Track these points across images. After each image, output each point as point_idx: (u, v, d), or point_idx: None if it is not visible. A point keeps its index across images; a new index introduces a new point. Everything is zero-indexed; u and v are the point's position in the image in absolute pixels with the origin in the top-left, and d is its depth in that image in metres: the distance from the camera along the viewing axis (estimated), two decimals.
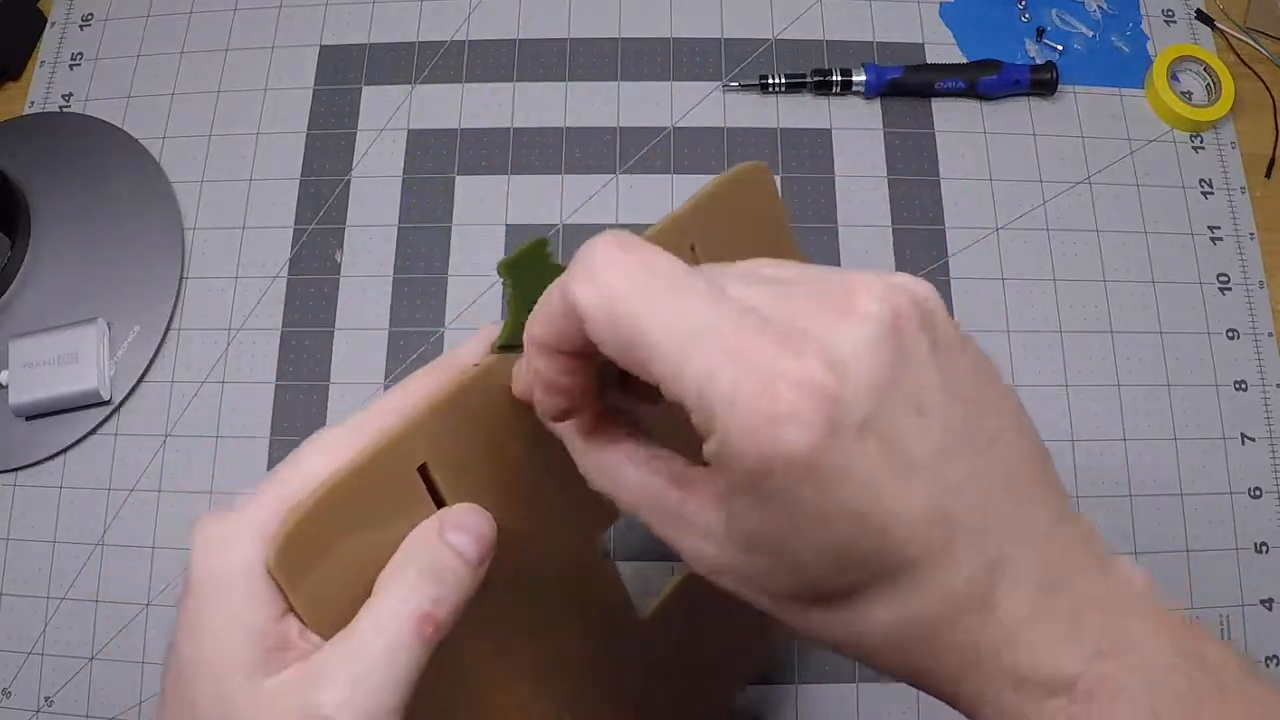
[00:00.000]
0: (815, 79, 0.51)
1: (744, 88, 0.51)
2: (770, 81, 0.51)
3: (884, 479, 0.19)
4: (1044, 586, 0.21)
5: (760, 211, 0.33)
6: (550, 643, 0.32)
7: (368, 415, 0.26)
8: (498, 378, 0.28)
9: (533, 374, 0.23)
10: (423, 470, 0.27)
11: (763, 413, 0.18)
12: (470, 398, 0.28)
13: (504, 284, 0.27)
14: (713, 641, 0.36)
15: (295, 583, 0.25)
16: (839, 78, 0.51)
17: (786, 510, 0.19)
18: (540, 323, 0.22)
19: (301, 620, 0.24)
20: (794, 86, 0.51)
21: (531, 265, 0.27)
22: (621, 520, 0.32)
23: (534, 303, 0.25)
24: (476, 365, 0.28)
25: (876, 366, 0.19)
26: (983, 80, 0.50)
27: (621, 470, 0.23)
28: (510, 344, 0.27)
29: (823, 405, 0.18)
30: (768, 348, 0.19)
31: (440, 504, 0.27)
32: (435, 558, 0.25)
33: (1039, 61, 0.52)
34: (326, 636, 0.24)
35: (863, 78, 0.51)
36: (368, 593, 0.25)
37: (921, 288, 0.21)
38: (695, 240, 0.31)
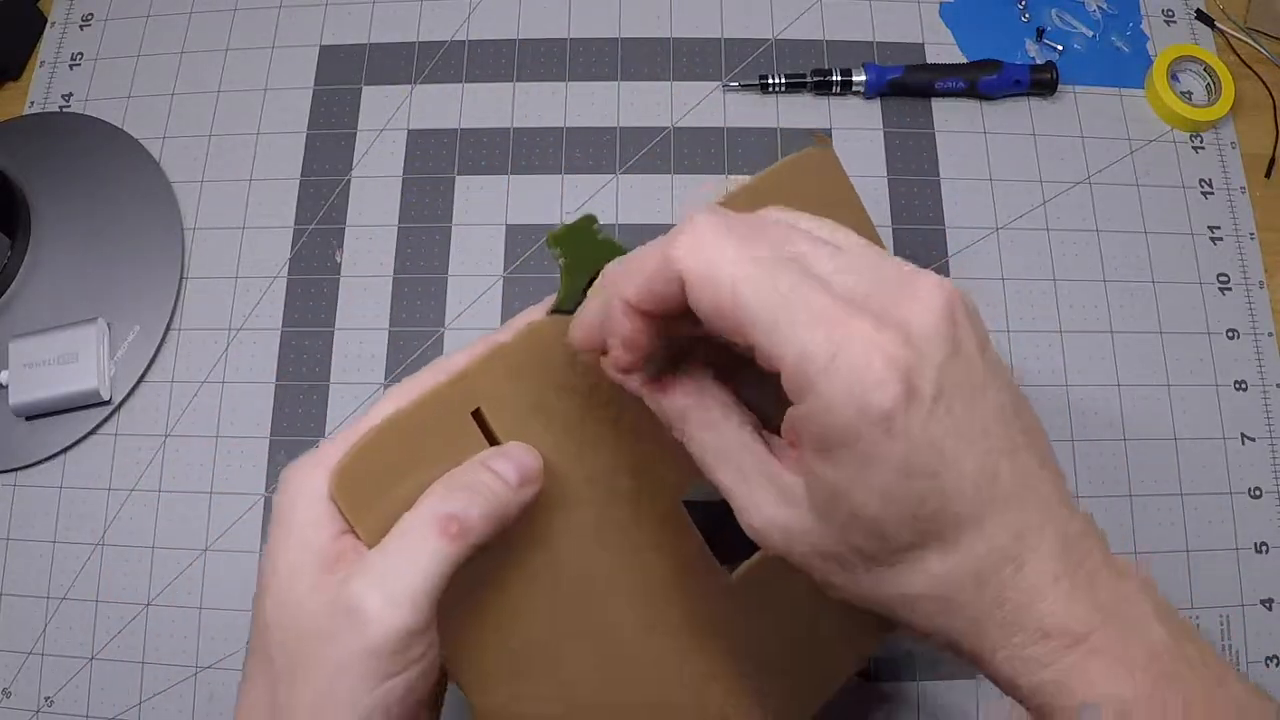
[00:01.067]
0: (815, 79, 0.51)
1: (744, 87, 0.51)
2: (770, 81, 0.51)
3: (949, 443, 0.22)
4: (1063, 555, 0.24)
5: (828, 195, 0.33)
6: (628, 599, 0.32)
7: (433, 370, 0.30)
8: (550, 337, 0.30)
9: (613, 330, 0.25)
10: (477, 415, 0.30)
11: (857, 378, 0.21)
12: (524, 353, 0.31)
13: (555, 254, 0.30)
14: (805, 619, 0.34)
15: (353, 506, 0.28)
16: (839, 78, 0.51)
17: (868, 469, 0.22)
18: (635, 287, 0.24)
19: (360, 539, 0.27)
20: (794, 86, 0.51)
21: (579, 239, 0.30)
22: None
23: (584, 273, 0.30)
24: (531, 325, 0.31)
25: (943, 346, 0.22)
26: (983, 80, 0.50)
27: (704, 418, 0.26)
28: (561, 309, 0.30)
29: (906, 375, 0.22)
30: (858, 324, 0.22)
31: (494, 445, 0.30)
32: (470, 476, 0.28)
33: (1039, 61, 0.52)
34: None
35: (863, 78, 0.51)
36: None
37: (958, 290, 0.24)
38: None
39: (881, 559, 0.24)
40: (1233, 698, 0.24)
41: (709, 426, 0.26)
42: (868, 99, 0.51)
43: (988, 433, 0.23)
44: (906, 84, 0.51)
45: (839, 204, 0.33)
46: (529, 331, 0.31)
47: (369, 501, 0.28)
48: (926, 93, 0.51)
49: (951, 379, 0.22)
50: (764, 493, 0.25)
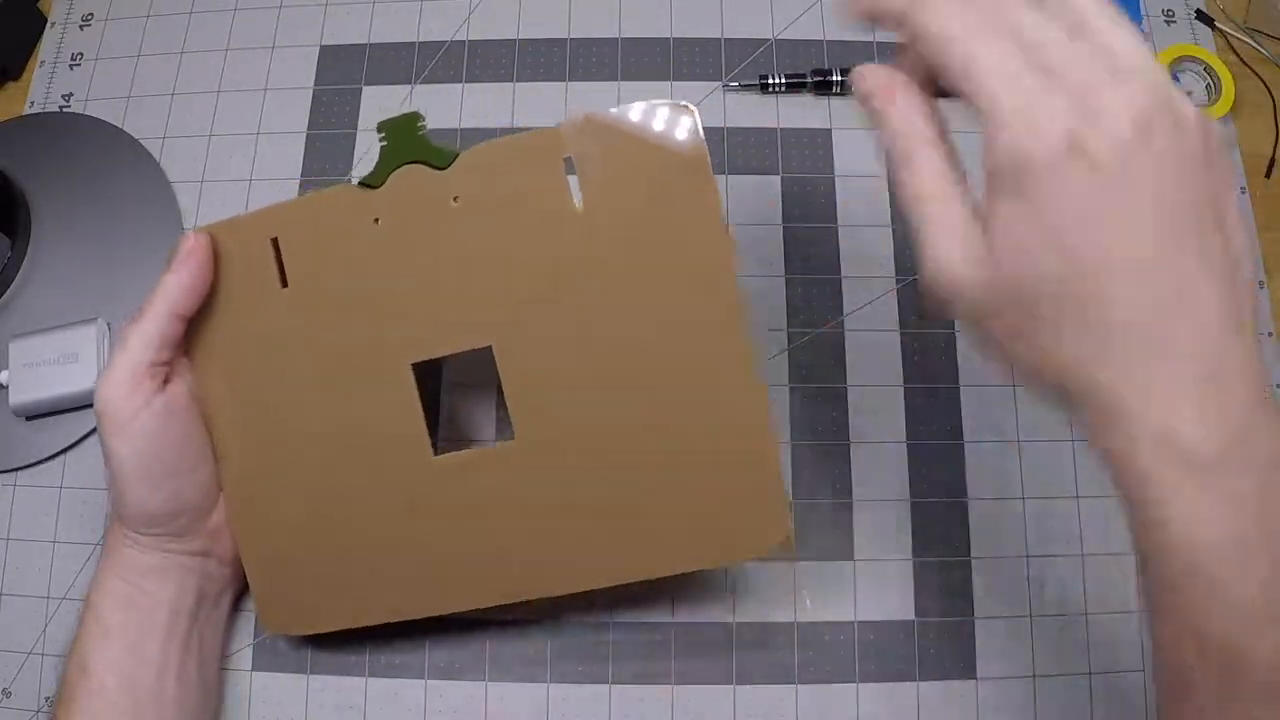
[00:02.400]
0: (815, 79, 0.51)
1: (744, 87, 0.51)
2: (770, 81, 0.51)
3: (1111, 219, 0.25)
4: (1206, 378, 0.24)
5: (673, 148, 0.36)
6: (341, 452, 0.39)
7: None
8: (353, 202, 0.38)
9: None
10: (275, 243, 0.38)
11: (1036, 120, 0.25)
12: (328, 206, 0.38)
13: (380, 138, 0.37)
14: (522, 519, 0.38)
15: None
16: (839, 78, 0.51)
17: (1039, 210, 0.25)
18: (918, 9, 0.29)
19: None
20: (794, 86, 0.51)
21: (403, 131, 0.37)
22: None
23: (397, 160, 0.37)
24: (342, 186, 0.38)
25: (1128, 130, 0.24)
26: None
27: (918, 155, 0.28)
28: (368, 183, 0.38)
29: (1076, 133, 0.24)
30: (1051, 90, 0.25)
31: (283, 276, 0.38)
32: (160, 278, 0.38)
33: None
34: (191, 341, 0.40)
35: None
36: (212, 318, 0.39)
37: (1192, 112, 0.25)
38: (575, 152, 0.36)
39: (1029, 324, 0.26)
40: None
41: (919, 166, 0.28)
42: None
43: (1158, 237, 0.25)
44: None
45: (685, 166, 0.36)
46: (336, 190, 0.38)
47: None
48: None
49: (1131, 164, 0.24)
50: (949, 241, 0.27)
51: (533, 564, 0.39)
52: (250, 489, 0.40)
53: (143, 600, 0.38)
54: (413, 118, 0.37)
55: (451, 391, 0.46)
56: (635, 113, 0.36)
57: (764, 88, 0.51)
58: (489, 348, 0.37)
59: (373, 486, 0.39)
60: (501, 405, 0.43)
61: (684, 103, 0.36)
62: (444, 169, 0.37)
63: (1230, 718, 0.25)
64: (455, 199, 0.37)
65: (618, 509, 0.38)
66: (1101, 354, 0.25)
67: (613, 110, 0.36)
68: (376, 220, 0.38)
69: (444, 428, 0.45)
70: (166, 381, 0.38)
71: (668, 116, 0.36)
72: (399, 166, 0.37)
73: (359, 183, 0.38)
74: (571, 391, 0.37)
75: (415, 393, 0.38)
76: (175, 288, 0.38)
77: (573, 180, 0.36)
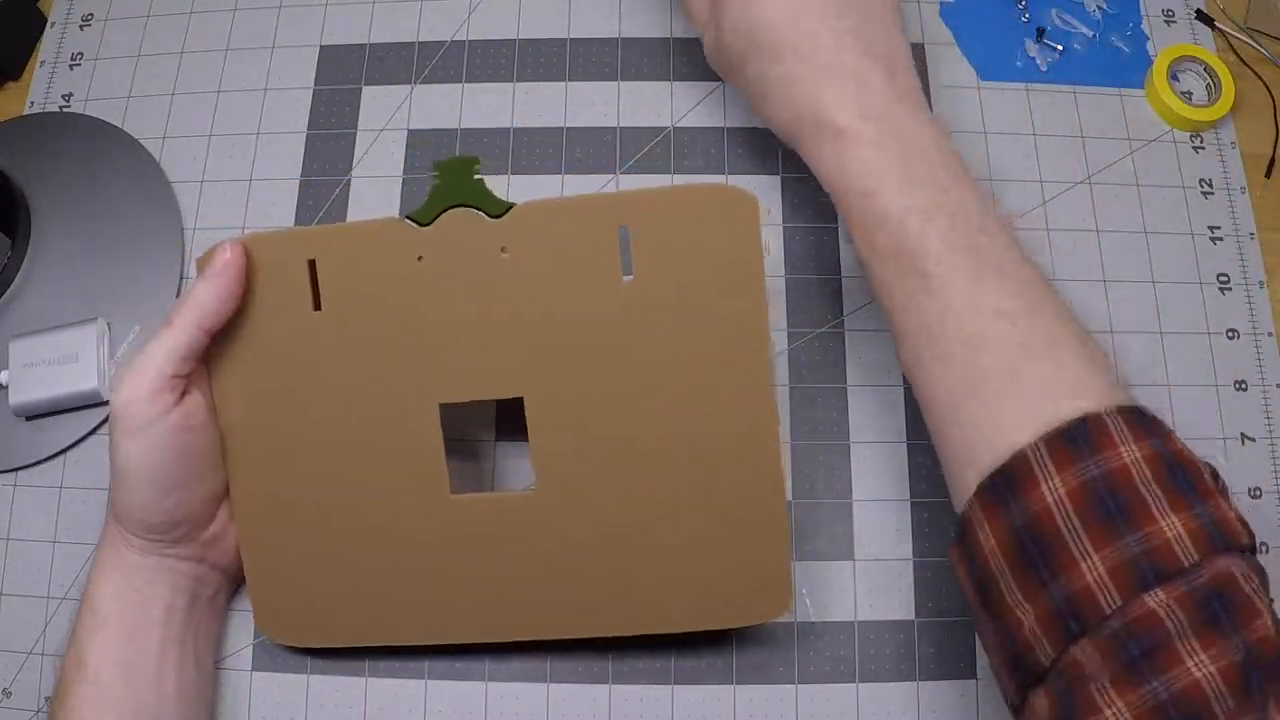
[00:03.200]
0: None
1: None
2: None
3: None
4: (859, 106, 0.37)
5: (728, 236, 0.37)
6: (365, 486, 0.39)
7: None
8: (397, 234, 0.38)
9: None
10: (311, 265, 0.38)
11: None
12: (369, 237, 0.38)
13: (434, 175, 0.38)
14: (540, 560, 0.40)
15: None
16: None
17: None
18: None
19: None
20: None
21: (458, 172, 0.38)
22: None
23: (447, 200, 0.37)
24: (387, 218, 0.38)
25: None
26: None
27: None
28: (416, 219, 0.38)
29: None
30: None
31: (316, 298, 0.38)
32: (190, 290, 0.38)
33: (1039, 65, 0.52)
34: (213, 349, 0.39)
35: None
36: (252, 328, 0.39)
37: None
38: (631, 223, 0.37)
39: (740, 61, 0.40)
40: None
41: None
42: None
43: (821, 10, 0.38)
44: None
45: (736, 256, 0.37)
46: (382, 222, 0.38)
47: None
48: None
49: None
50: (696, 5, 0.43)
51: (537, 606, 0.40)
52: (260, 500, 0.40)
53: (137, 596, 0.39)
54: (470, 161, 0.38)
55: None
56: (698, 192, 0.37)
57: None
58: (520, 399, 0.38)
59: (386, 516, 0.39)
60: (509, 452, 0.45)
61: (749, 192, 0.37)
62: (496, 218, 0.37)
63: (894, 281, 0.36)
64: (504, 250, 0.37)
65: (628, 565, 0.39)
66: (788, 87, 0.38)
67: (676, 185, 0.38)
68: (420, 258, 0.38)
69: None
70: (184, 393, 0.38)
71: (730, 202, 0.37)
72: (450, 208, 0.38)
73: (406, 217, 0.38)
74: (596, 449, 0.38)
75: (439, 432, 0.38)
76: (206, 301, 0.37)
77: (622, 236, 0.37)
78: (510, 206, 0.37)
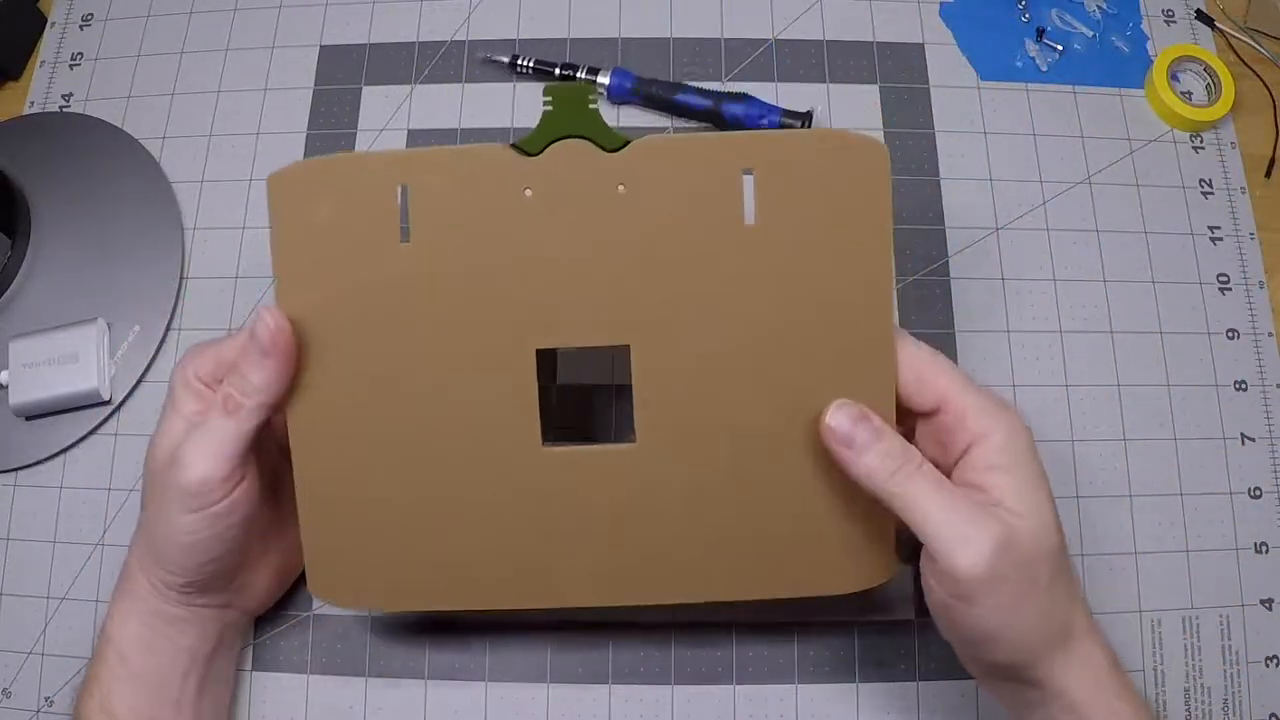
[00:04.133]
0: (564, 73, 0.51)
1: (489, 62, 0.52)
2: (521, 64, 0.51)
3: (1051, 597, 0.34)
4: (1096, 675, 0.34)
5: (856, 186, 0.35)
6: (449, 433, 0.36)
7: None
8: (498, 162, 0.35)
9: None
10: (403, 191, 0.35)
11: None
12: (468, 163, 0.35)
13: (545, 101, 0.34)
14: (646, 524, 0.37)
15: (278, 205, 0.35)
16: (585, 76, 0.51)
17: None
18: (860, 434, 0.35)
19: (274, 235, 0.35)
20: (541, 73, 0.51)
21: (574, 100, 0.34)
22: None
23: (559, 129, 0.34)
24: (486, 145, 0.35)
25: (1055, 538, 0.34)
26: (726, 106, 0.49)
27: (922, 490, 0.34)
28: (523, 147, 0.35)
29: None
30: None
31: (405, 229, 0.35)
32: (240, 365, 0.35)
33: (1039, 65, 0.52)
34: (283, 275, 0.35)
35: (607, 80, 0.50)
36: (329, 260, 0.35)
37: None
38: (756, 166, 0.34)
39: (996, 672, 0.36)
40: None
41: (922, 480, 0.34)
42: (612, 104, 0.51)
43: (1071, 596, 0.35)
44: (649, 93, 0.50)
45: (860, 204, 0.35)
46: (490, 149, 0.35)
47: (291, 208, 0.35)
48: (667, 106, 0.50)
49: (1040, 558, 0.33)
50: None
51: (630, 570, 0.37)
52: (324, 446, 0.37)
53: (165, 645, 0.38)
54: (585, 89, 0.35)
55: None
56: (827, 138, 0.35)
57: (513, 67, 0.51)
58: (626, 347, 0.35)
59: (468, 468, 0.36)
60: (607, 403, 0.44)
61: (879, 141, 0.35)
62: (612, 152, 0.35)
63: None
64: (621, 186, 0.35)
65: (728, 527, 0.37)
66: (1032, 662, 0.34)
67: (803, 130, 0.36)
68: (527, 190, 0.35)
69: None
70: (249, 465, 0.36)
71: (860, 151, 0.34)
72: (561, 139, 0.35)
73: (512, 145, 0.35)
74: (704, 404, 0.36)
75: (534, 378, 0.36)
76: (270, 384, 0.35)
77: (747, 188, 0.35)
78: (627, 141, 0.34)
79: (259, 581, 0.41)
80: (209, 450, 0.35)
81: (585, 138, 0.35)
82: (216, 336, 0.48)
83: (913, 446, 0.34)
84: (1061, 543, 0.34)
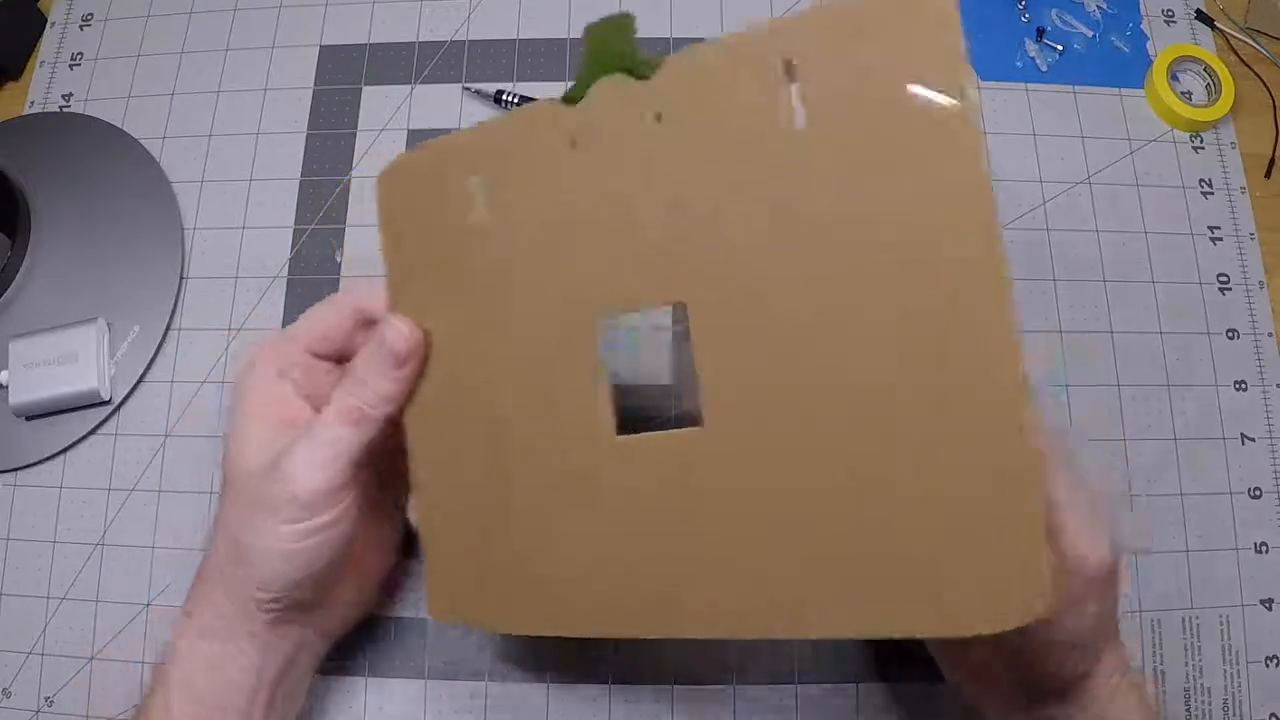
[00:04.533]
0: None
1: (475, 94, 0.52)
2: (506, 97, 0.50)
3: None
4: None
5: (922, 54, 0.26)
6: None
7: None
8: (548, 121, 0.32)
9: None
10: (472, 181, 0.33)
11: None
12: (523, 130, 0.33)
13: (585, 42, 0.32)
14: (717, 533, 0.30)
15: (386, 216, 0.35)
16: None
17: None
18: None
19: (381, 235, 0.36)
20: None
21: (613, 34, 0.32)
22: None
23: (601, 69, 0.31)
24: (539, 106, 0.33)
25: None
26: None
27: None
28: (572, 96, 0.32)
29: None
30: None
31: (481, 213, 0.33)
32: (366, 371, 0.34)
33: (1039, 65, 0.52)
34: (391, 262, 0.35)
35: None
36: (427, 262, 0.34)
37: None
38: (797, 55, 0.28)
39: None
40: None
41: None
42: None
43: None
44: None
45: (926, 44, 0.26)
46: (538, 109, 0.33)
47: (392, 212, 0.35)
48: None
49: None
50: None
51: (727, 594, 0.30)
52: (435, 450, 0.35)
53: (231, 665, 0.35)
54: (626, 19, 0.31)
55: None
56: (878, 3, 0.27)
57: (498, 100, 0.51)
58: (683, 306, 0.30)
59: (548, 462, 0.33)
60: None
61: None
62: (647, 79, 0.30)
63: None
64: (658, 117, 0.30)
65: (829, 537, 0.28)
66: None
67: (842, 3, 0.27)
68: (574, 143, 0.31)
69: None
70: (356, 481, 0.34)
71: (920, 11, 0.26)
72: (601, 77, 0.31)
73: (562, 98, 0.32)
74: (782, 372, 0.28)
75: (595, 355, 0.32)
76: (397, 394, 0.34)
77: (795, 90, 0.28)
78: (661, 62, 0.30)
79: (344, 599, 0.39)
80: (324, 461, 0.33)
81: (624, 71, 0.31)
82: (211, 334, 0.48)
83: None
84: None
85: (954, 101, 0.26)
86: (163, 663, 0.36)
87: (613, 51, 0.31)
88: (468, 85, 0.51)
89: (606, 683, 0.43)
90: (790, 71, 0.28)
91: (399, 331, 0.33)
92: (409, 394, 0.34)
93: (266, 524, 0.33)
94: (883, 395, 0.27)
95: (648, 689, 0.43)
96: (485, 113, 0.51)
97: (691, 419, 0.30)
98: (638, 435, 0.31)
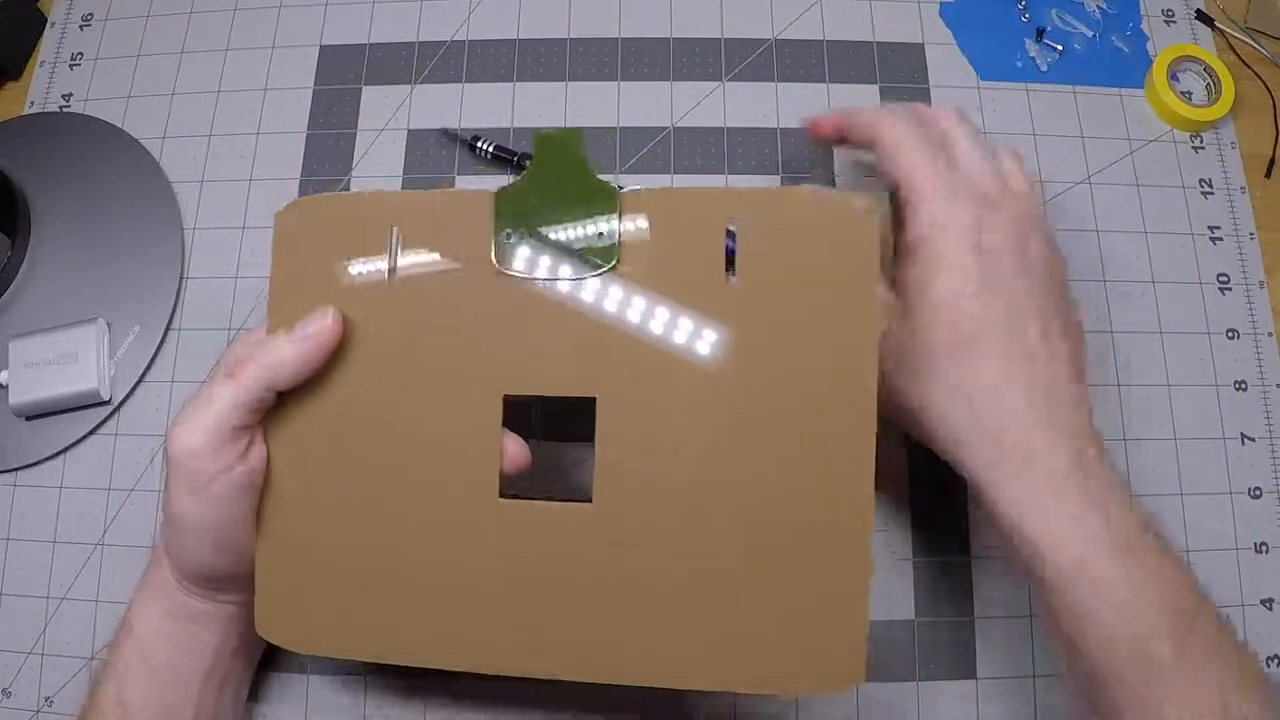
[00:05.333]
0: (522, 161, 0.49)
1: (451, 139, 0.51)
2: (480, 148, 0.50)
3: (989, 291, 0.36)
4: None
5: (840, 245, 0.34)
6: (413, 477, 0.36)
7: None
8: (484, 212, 0.35)
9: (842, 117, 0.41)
10: (391, 231, 0.36)
11: (956, 203, 0.37)
12: (454, 209, 0.36)
13: (534, 150, 0.35)
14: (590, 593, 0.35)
15: (283, 245, 0.37)
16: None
17: (936, 272, 0.36)
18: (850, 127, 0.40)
19: (274, 264, 0.37)
20: (500, 159, 0.50)
21: (562, 149, 0.35)
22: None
23: (550, 181, 0.35)
24: (476, 191, 0.35)
25: (1011, 234, 0.37)
26: None
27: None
28: (505, 203, 0.35)
29: (980, 218, 0.37)
30: (966, 189, 0.37)
31: (392, 264, 0.35)
32: (269, 339, 0.35)
33: (1039, 65, 0.52)
34: (276, 307, 0.36)
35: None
36: (320, 291, 0.36)
37: (1052, 238, 0.39)
38: (742, 224, 0.34)
39: (921, 364, 0.36)
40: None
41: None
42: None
43: (1021, 309, 0.35)
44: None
45: (849, 272, 0.34)
46: (475, 196, 0.35)
47: (292, 243, 0.37)
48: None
49: (1003, 261, 0.36)
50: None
51: (575, 642, 0.35)
52: (287, 481, 0.36)
53: (188, 641, 0.38)
54: (574, 135, 0.35)
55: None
56: (815, 200, 0.34)
57: (472, 149, 0.50)
58: (593, 400, 0.34)
59: (429, 515, 0.35)
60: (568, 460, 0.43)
61: (868, 206, 0.34)
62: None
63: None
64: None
65: (685, 608, 0.34)
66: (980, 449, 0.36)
67: (791, 188, 0.37)
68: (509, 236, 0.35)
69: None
70: (249, 445, 0.35)
71: (847, 215, 0.34)
72: (547, 181, 0.35)
73: (499, 191, 0.35)
74: (668, 469, 0.34)
75: (499, 424, 0.35)
76: (288, 362, 0.34)
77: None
78: (615, 192, 0.34)
79: None
80: (199, 422, 0.34)
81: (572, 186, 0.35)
82: (211, 334, 0.48)
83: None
84: (1008, 326, 0.35)
85: (856, 304, 0.34)
86: (120, 634, 0.38)
87: (563, 168, 0.35)
88: (447, 129, 0.51)
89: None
90: (730, 230, 0.34)
91: (320, 316, 0.35)
92: (300, 375, 0.35)
93: (173, 498, 0.35)
94: (747, 504, 0.34)
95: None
96: (491, 89, 0.51)
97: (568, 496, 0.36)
98: (526, 501, 0.35)
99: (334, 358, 0.35)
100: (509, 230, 0.35)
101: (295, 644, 0.37)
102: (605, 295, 0.35)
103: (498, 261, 0.35)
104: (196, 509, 0.34)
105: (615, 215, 0.35)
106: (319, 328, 0.34)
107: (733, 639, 0.34)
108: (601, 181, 0.35)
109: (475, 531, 0.35)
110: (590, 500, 0.35)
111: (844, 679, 0.33)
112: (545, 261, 0.35)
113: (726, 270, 0.34)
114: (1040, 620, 0.37)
